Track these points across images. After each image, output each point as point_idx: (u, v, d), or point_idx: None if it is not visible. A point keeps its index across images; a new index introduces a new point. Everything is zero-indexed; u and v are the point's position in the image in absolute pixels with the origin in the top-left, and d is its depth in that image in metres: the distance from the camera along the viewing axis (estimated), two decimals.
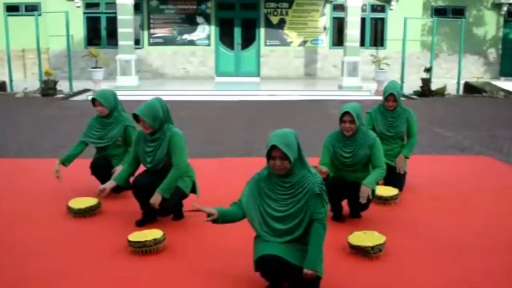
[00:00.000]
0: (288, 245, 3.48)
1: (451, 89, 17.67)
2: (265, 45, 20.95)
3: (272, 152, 3.42)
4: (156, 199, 4.72)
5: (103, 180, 5.66)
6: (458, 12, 21.94)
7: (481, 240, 4.65)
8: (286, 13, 20.77)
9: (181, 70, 20.92)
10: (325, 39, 21.10)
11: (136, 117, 4.81)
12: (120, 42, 17.23)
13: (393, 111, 6.05)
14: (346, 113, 4.83)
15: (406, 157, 6.06)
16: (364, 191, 4.66)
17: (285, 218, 3.49)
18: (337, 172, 5.04)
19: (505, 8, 22.09)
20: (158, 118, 4.79)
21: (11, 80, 17.66)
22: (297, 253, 3.46)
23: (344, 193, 4.96)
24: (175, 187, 4.84)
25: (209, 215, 3.61)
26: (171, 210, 4.95)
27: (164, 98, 13.88)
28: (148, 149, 4.88)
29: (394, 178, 5.93)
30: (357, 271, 4.03)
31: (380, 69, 17.32)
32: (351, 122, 4.84)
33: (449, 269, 4.07)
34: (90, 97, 5.88)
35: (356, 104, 4.92)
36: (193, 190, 5.08)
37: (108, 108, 5.74)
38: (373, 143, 4.91)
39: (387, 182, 5.86)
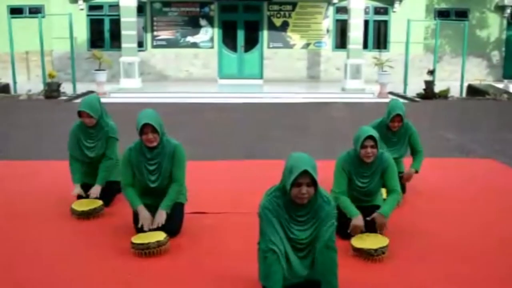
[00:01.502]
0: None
1: (454, 92, 17.65)
2: (268, 47, 20.95)
3: (300, 178, 3.16)
4: (161, 217, 4.57)
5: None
6: (461, 15, 21.92)
7: (485, 243, 4.65)
8: (289, 16, 20.78)
9: (184, 72, 20.94)
10: (328, 41, 21.10)
11: (142, 129, 4.48)
12: (123, 44, 17.26)
13: (396, 132, 5.82)
14: (369, 137, 4.48)
15: (417, 171, 5.88)
16: (381, 224, 4.43)
17: (306, 256, 3.42)
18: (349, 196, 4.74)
19: (508, 11, 22.06)
20: (163, 126, 4.62)
21: (14, 82, 17.69)
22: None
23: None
24: (180, 206, 4.84)
25: None
26: (179, 229, 4.82)
27: (167, 100, 13.80)
28: (151, 167, 4.66)
29: None
30: (360, 273, 4.03)
31: (383, 71, 17.31)
32: (373, 147, 4.52)
33: (453, 272, 4.06)
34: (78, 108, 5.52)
35: (369, 127, 4.64)
36: None
37: (96, 118, 5.47)
38: (387, 166, 4.64)
39: None
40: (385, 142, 5.78)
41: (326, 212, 3.33)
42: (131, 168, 4.69)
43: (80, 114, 5.46)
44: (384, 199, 5.15)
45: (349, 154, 4.70)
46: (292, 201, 3.28)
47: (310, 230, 3.36)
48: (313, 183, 3.21)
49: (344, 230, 4.56)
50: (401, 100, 15.57)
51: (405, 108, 5.80)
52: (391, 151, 5.59)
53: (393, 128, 5.79)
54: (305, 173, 3.14)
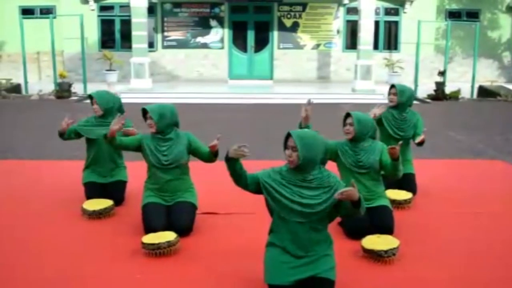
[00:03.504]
0: (300, 260, 3.52)
1: (465, 93, 17.59)
2: (278, 48, 20.94)
3: (288, 141, 3.51)
4: None
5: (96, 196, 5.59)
6: (472, 15, 21.80)
7: (495, 245, 4.63)
8: (300, 16, 20.76)
9: (194, 73, 20.98)
10: (338, 42, 21.06)
11: (144, 113, 4.90)
12: (134, 45, 17.32)
13: (402, 114, 5.99)
14: (348, 115, 4.89)
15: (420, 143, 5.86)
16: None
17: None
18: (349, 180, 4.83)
19: None
20: (165, 118, 4.86)
21: (26, 82, 17.81)
22: (308, 266, 3.51)
23: (366, 229, 4.67)
24: (190, 205, 4.92)
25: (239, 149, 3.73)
26: (190, 229, 4.88)
27: (177, 101, 13.81)
28: (162, 148, 4.86)
29: (406, 182, 5.90)
30: (371, 275, 4.02)
31: (394, 72, 17.28)
32: (351, 125, 4.83)
33: (463, 274, 4.05)
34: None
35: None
36: None
37: (102, 110, 5.61)
38: (382, 149, 4.88)
39: (400, 186, 5.84)
40: (395, 125, 5.99)
41: (333, 180, 3.56)
42: (137, 141, 4.94)
43: (90, 100, 5.67)
44: (390, 199, 5.19)
45: (344, 141, 4.99)
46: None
47: (319, 192, 3.51)
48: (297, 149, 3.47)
49: (353, 232, 4.61)
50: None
51: (413, 109, 5.88)
52: (397, 129, 5.95)
53: (391, 102, 6.05)
54: (289, 136, 3.51)
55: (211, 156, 4.92)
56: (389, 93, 6.07)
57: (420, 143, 5.79)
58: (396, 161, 4.64)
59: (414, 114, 6.07)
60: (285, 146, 3.54)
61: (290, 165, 3.51)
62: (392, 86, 6.08)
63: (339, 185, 3.53)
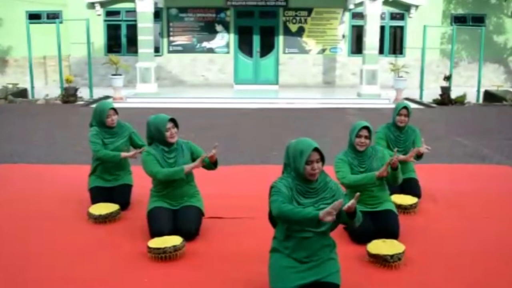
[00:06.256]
0: (307, 265, 3.54)
1: (471, 98, 17.54)
2: (284, 53, 20.97)
3: (312, 156, 3.46)
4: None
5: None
6: (478, 20, 21.77)
7: (502, 250, 4.62)
8: (305, 21, 20.79)
9: (200, 78, 21.02)
10: (343, 47, 21.07)
11: (165, 126, 4.82)
12: (140, 50, 17.37)
13: (402, 131, 5.96)
14: (364, 127, 4.84)
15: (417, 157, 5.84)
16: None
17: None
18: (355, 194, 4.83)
19: None
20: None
21: (32, 87, 17.86)
22: (313, 271, 3.53)
23: (372, 233, 4.68)
24: (197, 210, 4.95)
25: None
26: (196, 233, 4.91)
27: (183, 105, 13.82)
28: (170, 160, 4.89)
29: (410, 187, 5.91)
30: (376, 280, 4.02)
31: (399, 77, 17.26)
32: (367, 138, 4.85)
33: (469, 279, 4.05)
34: (109, 107, 5.75)
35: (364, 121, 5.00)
36: None
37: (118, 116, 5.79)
38: (381, 155, 4.97)
39: (404, 191, 5.83)
40: (395, 142, 5.94)
41: (335, 183, 3.67)
42: (156, 159, 4.86)
43: (107, 113, 5.62)
44: (396, 204, 5.20)
45: (346, 152, 5.00)
46: (304, 180, 3.54)
47: (323, 197, 3.57)
48: (321, 159, 3.53)
49: (358, 236, 4.62)
50: (417, 106, 15.47)
51: (419, 114, 5.83)
52: (400, 151, 5.74)
53: (400, 123, 5.92)
54: (315, 150, 3.48)
55: (211, 166, 4.95)
56: (399, 114, 5.87)
57: (419, 156, 5.79)
58: (395, 171, 4.74)
59: (413, 131, 6.05)
60: (306, 162, 3.47)
61: (313, 178, 3.52)
62: (404, 107, 5.88)
63: (340, 190, 3.63)
